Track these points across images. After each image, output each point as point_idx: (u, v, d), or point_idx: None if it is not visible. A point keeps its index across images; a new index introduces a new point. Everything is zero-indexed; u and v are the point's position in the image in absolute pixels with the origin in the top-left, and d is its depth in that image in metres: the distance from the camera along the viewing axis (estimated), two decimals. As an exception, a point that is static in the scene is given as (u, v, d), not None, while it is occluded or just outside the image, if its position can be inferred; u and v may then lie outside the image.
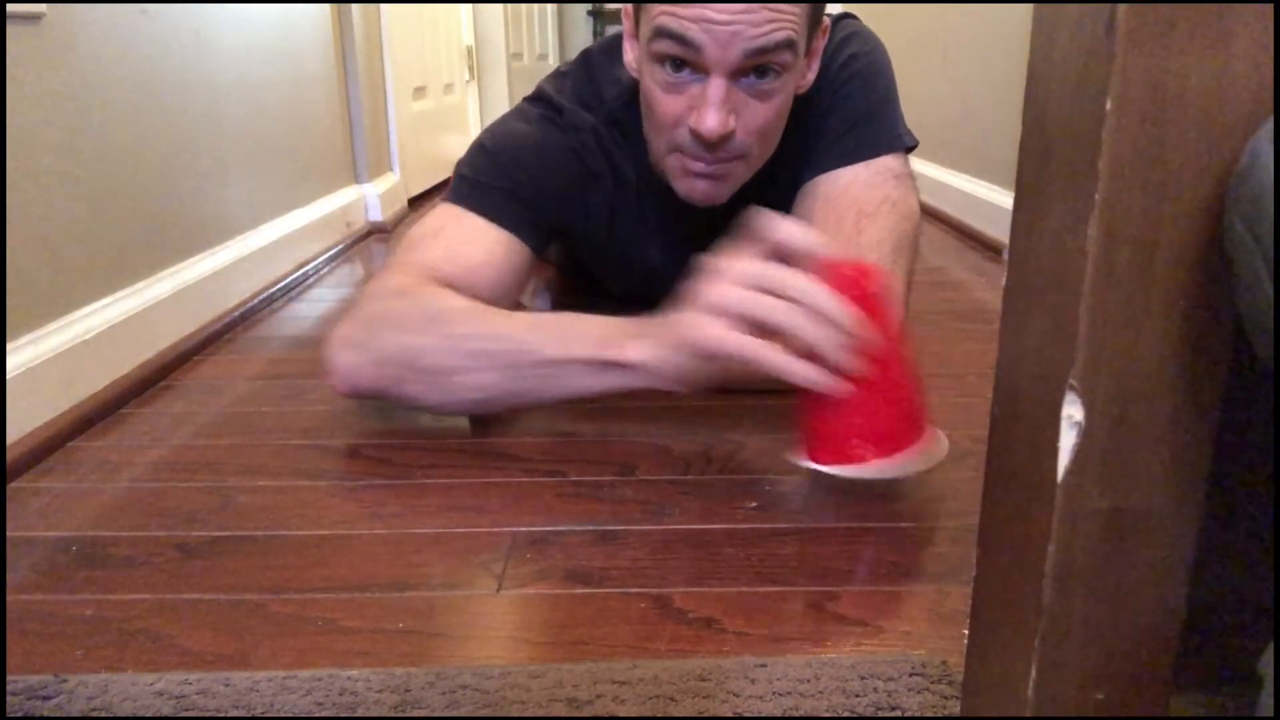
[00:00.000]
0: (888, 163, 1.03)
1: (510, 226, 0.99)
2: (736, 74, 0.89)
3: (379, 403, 0.95)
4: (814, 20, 0.92)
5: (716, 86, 0.88)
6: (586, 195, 1.07)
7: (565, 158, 1.04)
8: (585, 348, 0.81)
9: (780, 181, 1.07)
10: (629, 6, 0.96)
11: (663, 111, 0.93)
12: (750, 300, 0.71)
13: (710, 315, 0.72)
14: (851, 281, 0.70)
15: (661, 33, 0.88)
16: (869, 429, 0.72)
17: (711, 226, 1.12)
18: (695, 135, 0.91)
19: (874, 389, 0.71)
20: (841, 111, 1.04)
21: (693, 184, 0.98)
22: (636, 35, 0.95)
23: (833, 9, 1.08)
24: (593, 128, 1.06)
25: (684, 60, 0.89)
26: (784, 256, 0.73)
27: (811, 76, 0.99)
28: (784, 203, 1.07)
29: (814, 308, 0.69)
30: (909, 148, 1.06)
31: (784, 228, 0.73)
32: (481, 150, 1.05)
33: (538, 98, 1.10)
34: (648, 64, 0.93)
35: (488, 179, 1.01)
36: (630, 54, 0.98)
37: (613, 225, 1.10)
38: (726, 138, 0.91)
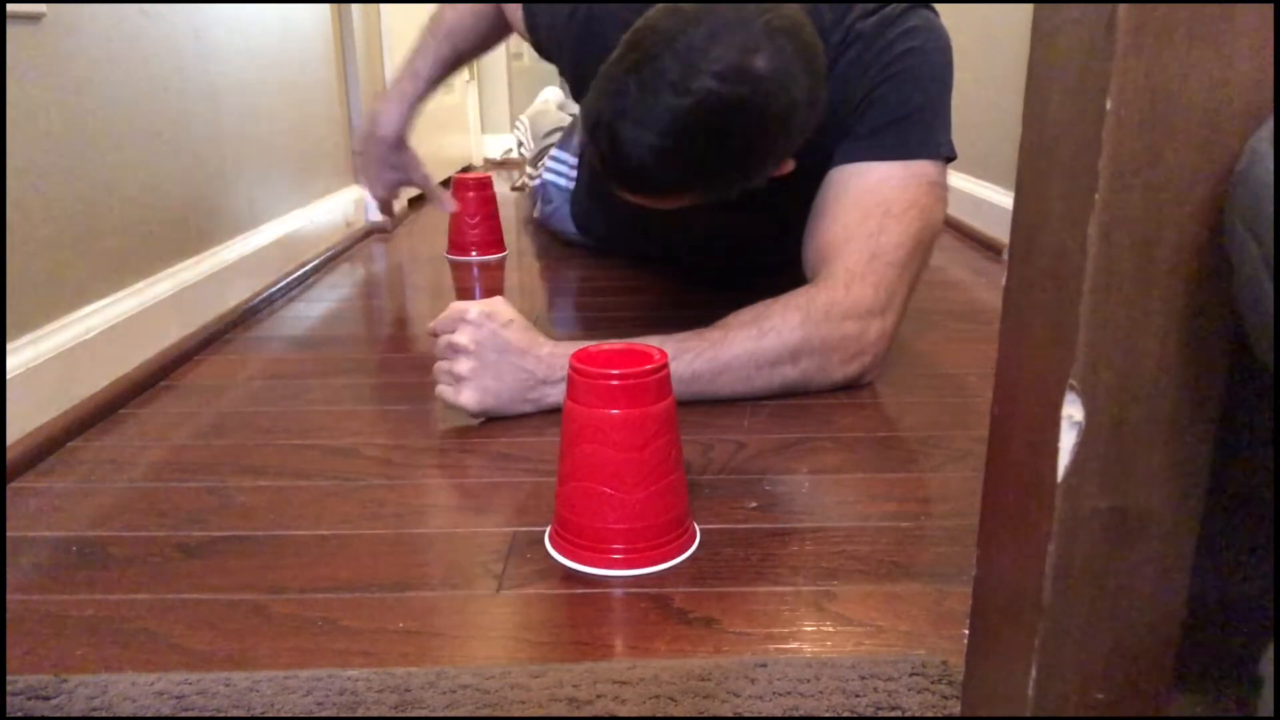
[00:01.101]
0: (925, 168, 1.00)
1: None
2: None
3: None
4: None
5: None
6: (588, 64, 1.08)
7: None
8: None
9: (814, 160, 1.03)
10: None
11: None
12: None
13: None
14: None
15: None
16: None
17: (743, 204, 1.10)
18: None
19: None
20: (886, 102, 1.01)
21: None
22: None
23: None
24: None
25: None
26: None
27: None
28: (811, 172, 1.04)
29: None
30: (948, 159, 1.04)
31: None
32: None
33: None
34: None
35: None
36: None
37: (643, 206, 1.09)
38: None
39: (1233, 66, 0.29)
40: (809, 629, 0.61)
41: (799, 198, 1.06)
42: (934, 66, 1.03)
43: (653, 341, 0.94)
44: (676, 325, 0.97)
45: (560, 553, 0.70)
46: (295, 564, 0.70)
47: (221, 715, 0.53)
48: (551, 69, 1.21)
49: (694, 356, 0.93)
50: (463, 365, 0.90)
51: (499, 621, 0.63)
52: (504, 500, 0.79)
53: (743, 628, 0.61)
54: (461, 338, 0.90)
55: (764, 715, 0.52)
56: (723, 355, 0.94)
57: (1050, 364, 0.33)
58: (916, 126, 1.01)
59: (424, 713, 0.53)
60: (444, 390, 0.92)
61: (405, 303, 1.42)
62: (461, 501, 0.79)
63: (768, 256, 1.03)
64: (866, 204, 0.99)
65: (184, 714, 0.53)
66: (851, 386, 1.00)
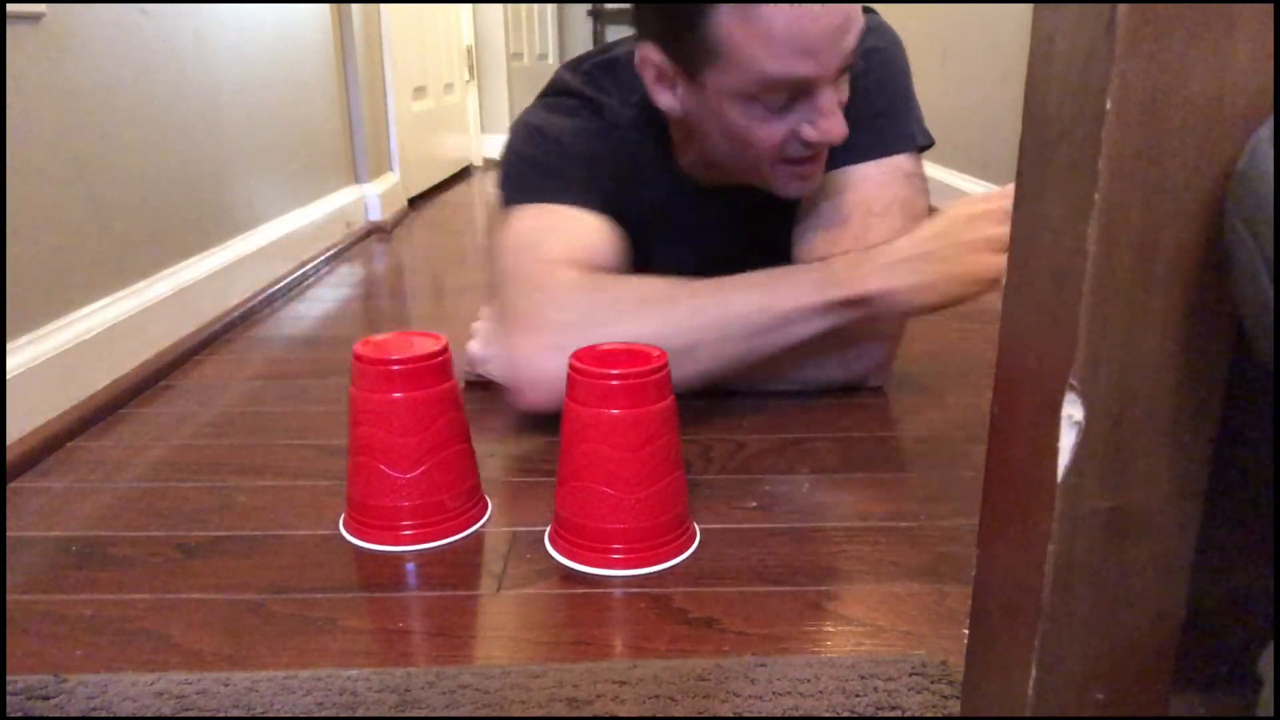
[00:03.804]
0: (900, 162, 1.02)
1: (597, 210, 0.96)
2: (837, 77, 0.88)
3: None
4: None
5: (828, 97, 0.86)
6: (630, 190, 1.02)
7: (614, 149, 1.00)
8: (815, 293, 0.87)
9: None
10: (659, 59, 0.90)
11: (766, 141, 0.89)
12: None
13: (988, 249, 0.85)
14: None
15: (773, 84, 0.84)
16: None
17: (736, 218, 1.10)
18: (814, 144, 0.89)
19: None
20: (856, 107, 1.01)
21: (801, 185, 0.96)
22: (679, 83, 0.90)
23: None
24: (633, 124, 1.01)
25: (797, 94, 0.86)
26: None
27: None
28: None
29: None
30: (923, 146, 1.05)
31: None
32: (540, 142, 1.00)
33: (564, 92, 1.05)
34: (739, 105, 0.88)
35: (560, 169, 0.98)
36: (668, 98, 0.92)
37: (652, 221, 1.05)
38: None
39: (1233, 66, 0.29)
40: (809, 629, 0.61)
41: (778, 217, 1.07)
42: (893, 62, 1.04)
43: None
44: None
45: (560, 553, 0.70)
46: (295, 564, 0.70)
47: (221, 715, 0.53)
48: (551, 69, 1.20)
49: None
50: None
51: (499, 621, 0.63)
52: (504, 500, 0.79)
53: (743, 628, 0.61)
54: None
55: (764, 715, 0.52)
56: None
57: (1050, 364, 0.33)
58: (887, 123, 1.02)
59: (424, 713, 0.53)
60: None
61: (405, 303, 1.42)
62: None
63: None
64: (847, 206, 0.99)
65: (184, 714, 0.53)
66: (853, 387, 1.00)
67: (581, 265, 0.90)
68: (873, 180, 1.00)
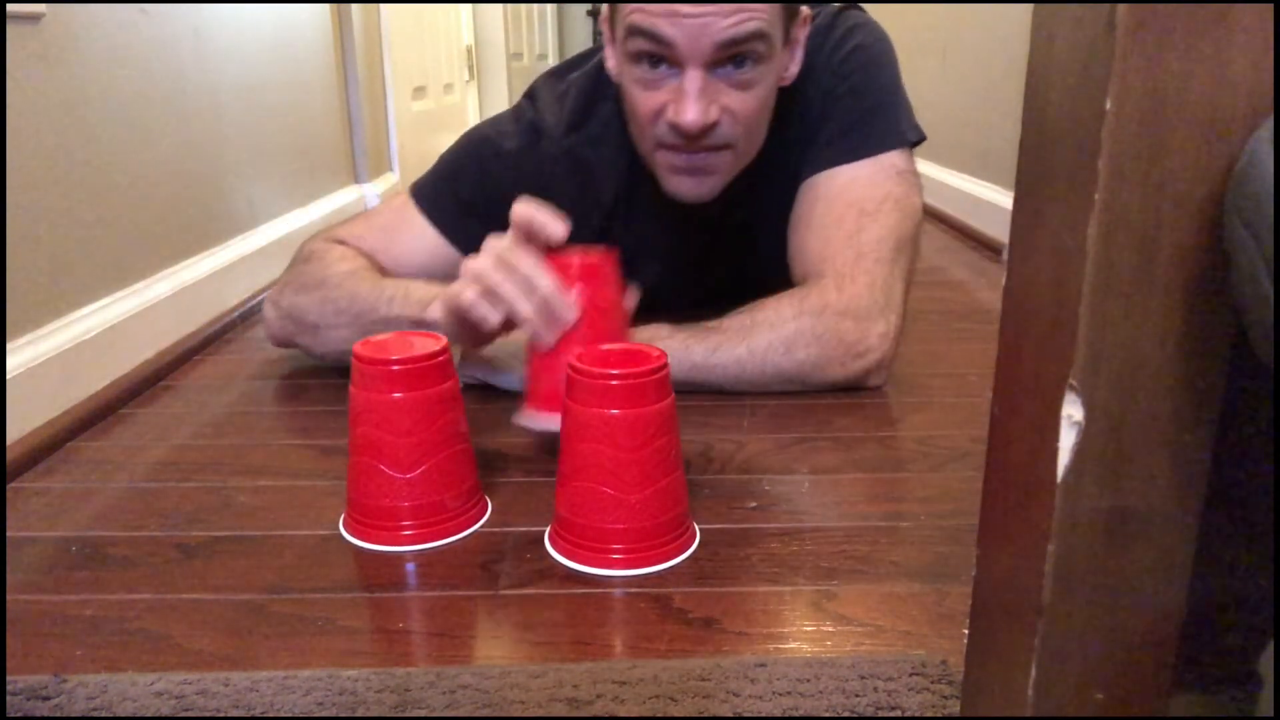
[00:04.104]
0: (891, 159, 1.02)
1: (449, 235, 1.07)
2: (712, 65, 0.89)
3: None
4: (789, 11, 0.93)
5: (693, 78, 0.89)
6: (574, 206, 1.07)
7: (539, 182, 1.04)
8: (408, 308, 0.94)
9: (777, 176, 1.06)
10: (606, 12, 0.97)
11: (643, 108, 0.94)
12: (486, 271, 0.79)
13: (465, 281, 0.81)
14: (564, 265, 0.78)
15: (634, 31, 0.89)
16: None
17: (707, 226, 1.12)
18: (676, 128, 0.92)
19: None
20: (843, 107, 1.03)
21: (680, 181, 0.99)
22: (614, 40, 0.96)
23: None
24: (568, 152, 1.07)
25: (660, 56, 0.90)
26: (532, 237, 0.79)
27: (795, 68, 0.99)
28: (784, 197, 1.07)
29: (528, 282, 0.78)
30: (914, 142, 1.05)
31: (530, 214, 0.79)
32: (457, 156, 1.09)
33: (531, 103, 1.11)
34: (626, 64, 0.94)
35: (448, 187, 1.08)
36: (611, 60, 0.99)
37: (605, 238, 1.11)
38: (709, 128, 0.92)
39: (1233, 66, 0.29)
40: (809, 629, 0.61)
41: (771, 218, 1.08)
42: (881, 59, 1.05)
43: (648, 330, 0.95)
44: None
45: (560, 553, 0.70)
46: (295, 564, 0.70)
47: (221, 715, 0.53)
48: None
49: (691, 342, 0.95)
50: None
51: (499, 621, 0.63)
52: (504, 500, 0.79)
53: (743, 628, 0.61)
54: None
55: (764, 715, 0.52)
56: (719, 344, 0.95)
57: (1050, 364, 0.33)
58: (876, 122, 1.03)
59: (424, 713, 0.53)
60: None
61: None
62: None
63: (747, 286, 1.05)
64: (839, 208, 1.00)
65: (184, 714, 0.53)
66: (856, 388, 1.00)
67: (368, 250, 1.06)
68: (864, 179, 1.01)
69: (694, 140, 0.93)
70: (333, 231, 1.11)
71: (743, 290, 1.02)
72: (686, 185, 0.99)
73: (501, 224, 0.97)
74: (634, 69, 0.93)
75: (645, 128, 0.96)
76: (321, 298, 1.00)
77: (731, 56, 0.89)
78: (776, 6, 0.89)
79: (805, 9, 0.97)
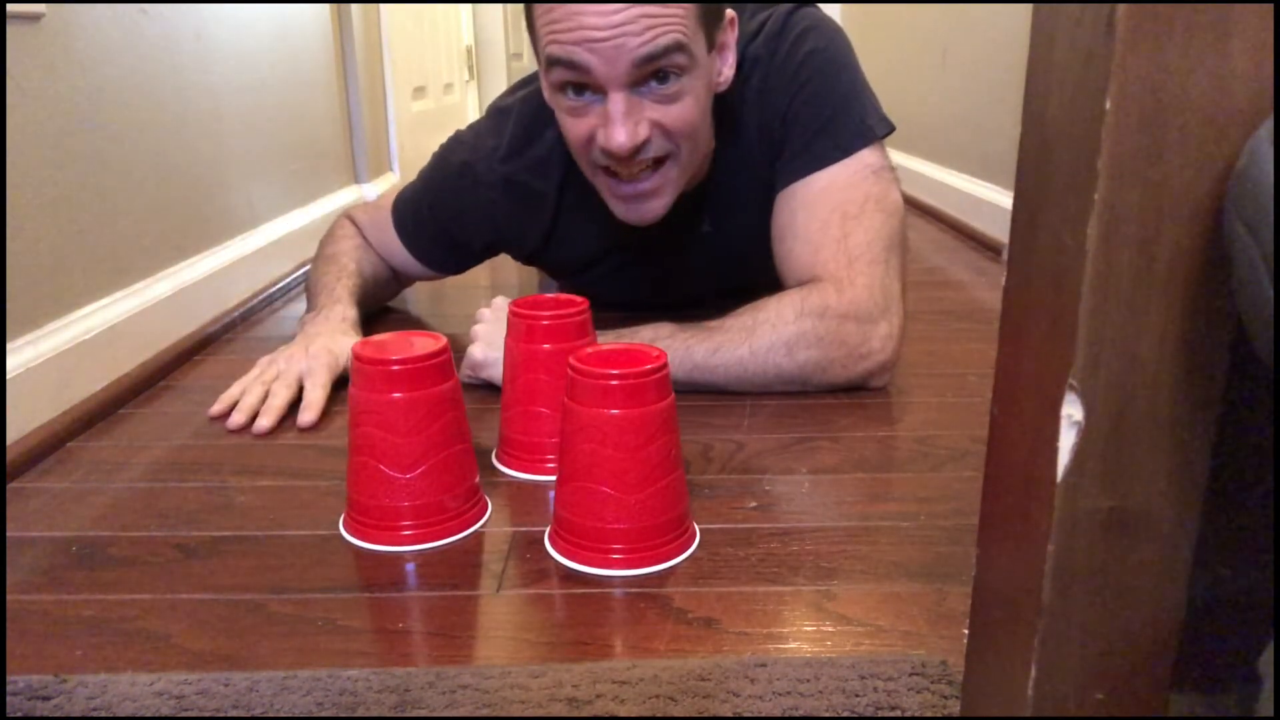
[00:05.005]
0: (863, 157, 1.01)
1: (424, 260, 1.21)
2: (634, 84, 0.88)
3: None
4: (710, 17, 0.91)
5: (616, 101, 0.88)
6: (510, 233, 1.16)
7: (483, 211, 1.14)
8: (325, 324, 1.06)
9: (738, 181, 1.06)
10: (531, 42, 0.97)
11: (575, 136, 0.94)
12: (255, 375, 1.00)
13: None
14: (532, 320, 0.82)
15: (553, 61, 0.89)
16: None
17: (667, 242, 1.14)
18: (607, 152, 0.91)
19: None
20: (807, 114, 1.02)
21: (627, 209, 0.99)
22: (541, 69, 0.96)
23: None
24: (504, 180, 1.11)
25: (582, 84, 0.89)
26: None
27: (729, 71, 0.98)
28: (745, 203, 1.07)
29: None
30: (883, 135, 1.04)
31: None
32: (428, 177, 1.19)
33: (487, 118, 1.16)
34: (552, 95, 0.94)
35: (411, 208, 1.19)
36: (546, 90, 0.98)
37: (552, 249, 1.17)
38: (640, 146, 0.91)
39: (1233, 66, 0.29)
40: (809, 629, 0.61)
41: (750, 230, 1.08)
42: (837, 59, 1.03)
43: (650, 329, 0.95)
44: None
45: (560, 553, 0.70)
46: (295, 564, 0.70)
47: (221, 715, 0.53)
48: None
49: (693, 342, 0.95)
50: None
51: (499, 621, 0.63)
52: (504, 500, 0.79)
53: (743, 628, 0.61)
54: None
55: (764, 715, 0.52)
56: (720, 344, 0.95)
57: (1050, 364, 0.33)
58: (842, 123, 1.01)
59: (424, 713, 0.53)
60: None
61: (405, 303, 1.42)
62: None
63: (730, 296, 1.06)
64: (821, 214, 0.99)
65: (184, 714, 0.53)
66: (857, 388, 1.00)
67: (366, 247, 1.23)
68: (841, 183, 1.00)
69: (628, 161, 0.92)
70: (355, 211, 1.28)
71: (729, 299, 1.03)
72: (635, 212, 0.99)
73: (455, 244, 1.17)
74: (560, 98, 0.93)
75: (580, 154, 0.96)
76: (314, 264, 1.21)
77: (653, 73, 0.88)
78: (694, 16, 0.88)
79: (730, 11, 0.96)
